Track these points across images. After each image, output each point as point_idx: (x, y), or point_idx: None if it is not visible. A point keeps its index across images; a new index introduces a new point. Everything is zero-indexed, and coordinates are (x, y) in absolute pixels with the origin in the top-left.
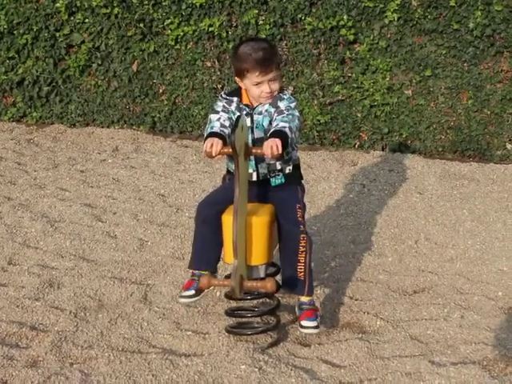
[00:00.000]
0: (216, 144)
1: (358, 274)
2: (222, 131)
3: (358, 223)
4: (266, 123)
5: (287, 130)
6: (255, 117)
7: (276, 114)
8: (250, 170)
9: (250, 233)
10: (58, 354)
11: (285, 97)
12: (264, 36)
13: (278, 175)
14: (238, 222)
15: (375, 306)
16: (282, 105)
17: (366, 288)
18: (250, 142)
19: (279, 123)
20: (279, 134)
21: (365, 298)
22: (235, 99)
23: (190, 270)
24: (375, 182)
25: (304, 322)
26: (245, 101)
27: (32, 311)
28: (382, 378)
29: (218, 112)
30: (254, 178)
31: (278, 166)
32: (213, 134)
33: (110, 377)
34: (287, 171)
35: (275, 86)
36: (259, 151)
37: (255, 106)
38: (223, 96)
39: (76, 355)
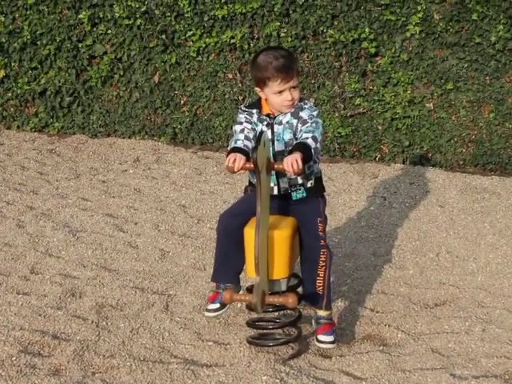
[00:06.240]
0: (239, 160)
1: (379, 287)
2: (246, 146)
3: (378, 235)
4: (287, 136)
5: (310, 140)
6: (275, 127)
7: (300, 125)
8: (272, 184)
9: (271, 247)
10: (80, 362)
11: (306, 106)
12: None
13: (300, 189)
14: (260, 239)
15: (396, 318)
16: (304, 114)
17: (387, 300)
18: (271, 155)
19: (303, 134)
20: (302, 146)
21: (386, 310)
22: (255, 111)
23: (214, 283)
24: (396, 194)
25: (321, 337)
26: (265, 111)
27: (54, 320)
28: None
29: (241, 123)
30: (275, 191)
31: (300, 181)
32: (236, 149)
33: None
34: (309, 185)
35: (296, 93)
36: (281, 166)
37: (276, 115)
38: (243, 109)
39: (98, 364)
